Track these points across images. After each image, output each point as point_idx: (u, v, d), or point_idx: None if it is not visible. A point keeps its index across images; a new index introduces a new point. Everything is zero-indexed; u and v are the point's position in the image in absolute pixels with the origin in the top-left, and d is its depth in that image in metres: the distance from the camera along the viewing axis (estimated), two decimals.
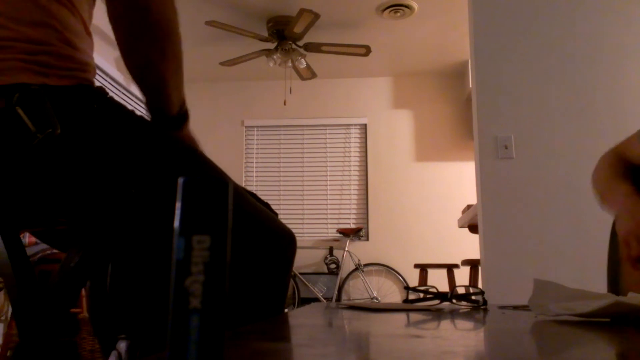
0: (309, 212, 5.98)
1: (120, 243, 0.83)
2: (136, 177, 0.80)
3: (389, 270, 5.69)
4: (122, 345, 0.75)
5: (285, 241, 0.92)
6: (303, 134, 6.14)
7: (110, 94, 0.87)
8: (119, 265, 0.82)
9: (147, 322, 0.78)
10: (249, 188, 4.35)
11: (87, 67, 0.86)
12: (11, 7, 0.81)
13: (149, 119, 0.92)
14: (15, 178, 0.78)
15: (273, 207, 1.01)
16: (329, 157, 6.08)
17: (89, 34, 0.91)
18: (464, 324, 0.66)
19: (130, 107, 0.90)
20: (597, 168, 1.26)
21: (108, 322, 0.84)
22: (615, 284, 1.18)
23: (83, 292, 3.15)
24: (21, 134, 0.76)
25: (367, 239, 5.82)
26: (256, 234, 0.86)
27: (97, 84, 0.88)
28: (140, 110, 0.96)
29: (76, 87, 0.82)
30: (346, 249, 5.67)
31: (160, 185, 0.81)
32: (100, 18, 1.01)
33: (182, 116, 0.94)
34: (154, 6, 0.83)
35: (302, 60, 4.89)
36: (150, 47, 0.85)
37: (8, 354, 2.76)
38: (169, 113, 0.91)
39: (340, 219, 5.94)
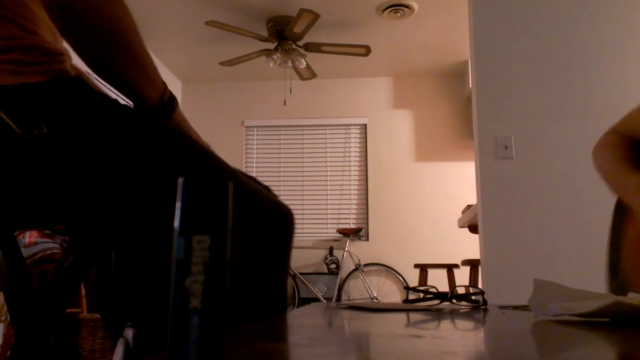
0: (309, 212, 5.98)
1: (122, 234, 0.82)
2: (127, 170, 0.79)
3: (389, 270, 5.69)
4: (129, 333, 0.75)
5: (283, 217, 0.88)
6: (303, 134, 6.14)
7: (100, 86, 0.85)
8: (122, 254, 0.81)
9: (153, 309, 0.77)
10: None
11: (61, 58, 0.83)
12: None
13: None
14: (7, 179, 0.78)
15: None
16: (329, 157, 6.08)
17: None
18: (464, 324, 0.66)
19: (113, 96, 0.88)
20: (600, 152, 1.18)
21: (114, 310, 0.83)
22: (615, 263, 1.16)
23: (83, 292, 3.14)
24: (7, 137, 0.74)
25: (367, 239, 5.82)
26: (252, 212, 0.84)
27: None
28: (125, 98, 0.94)
29: (54, 81, 0.79)
30: (346, 249, 5.67)
31: (153, 174, 0.79)
32: None
33: (167, 104, 0.89)
34: (92, 8, 0.77)
35: (302, 60, 4.89)
36: (99, 49, 0.80)
37: (8, 354, 2.76)
38: (148, 104, 0.87)
39: (340, 219, 5.94)
